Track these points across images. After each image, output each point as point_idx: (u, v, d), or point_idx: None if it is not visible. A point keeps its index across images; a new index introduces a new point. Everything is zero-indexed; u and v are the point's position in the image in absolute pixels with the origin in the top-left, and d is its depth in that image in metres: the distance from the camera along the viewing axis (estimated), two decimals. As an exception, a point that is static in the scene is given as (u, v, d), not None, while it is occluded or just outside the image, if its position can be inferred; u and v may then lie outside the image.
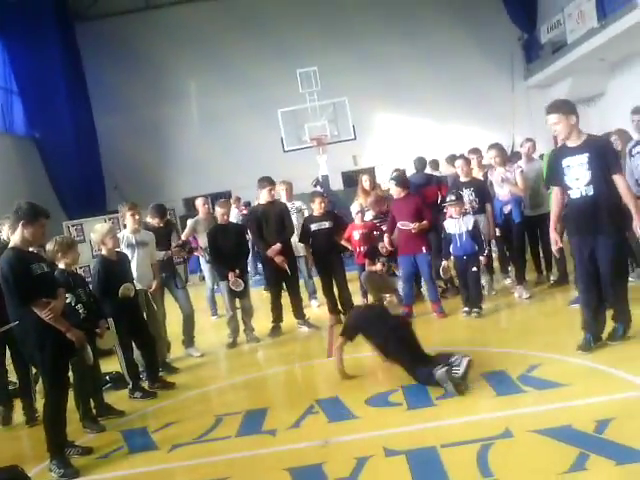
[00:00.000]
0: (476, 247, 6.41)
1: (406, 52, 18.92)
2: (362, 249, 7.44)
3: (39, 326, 4.07)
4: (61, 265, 4.89)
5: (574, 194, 4.68)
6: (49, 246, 4.90)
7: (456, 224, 6.46)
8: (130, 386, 5.63)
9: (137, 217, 6.24)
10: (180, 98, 19.63)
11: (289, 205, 8.04)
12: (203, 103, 19.67)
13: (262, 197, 7.30)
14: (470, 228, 6.39)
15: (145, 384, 5.74)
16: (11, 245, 4.20)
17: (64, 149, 17.33)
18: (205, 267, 8.62)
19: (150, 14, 19.51)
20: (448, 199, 6.54)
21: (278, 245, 7.02)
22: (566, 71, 16.45)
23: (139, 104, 19.08)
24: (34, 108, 17.77)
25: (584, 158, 4.59)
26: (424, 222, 6.62)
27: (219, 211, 7.05)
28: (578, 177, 4.62)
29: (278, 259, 7.02)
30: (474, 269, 6.41)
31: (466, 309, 6.49)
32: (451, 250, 6.54)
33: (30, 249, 4.28)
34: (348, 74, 18.27)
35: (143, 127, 19.15)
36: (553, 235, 4.91)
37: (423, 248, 6.67)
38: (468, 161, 7.28)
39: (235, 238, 7.04)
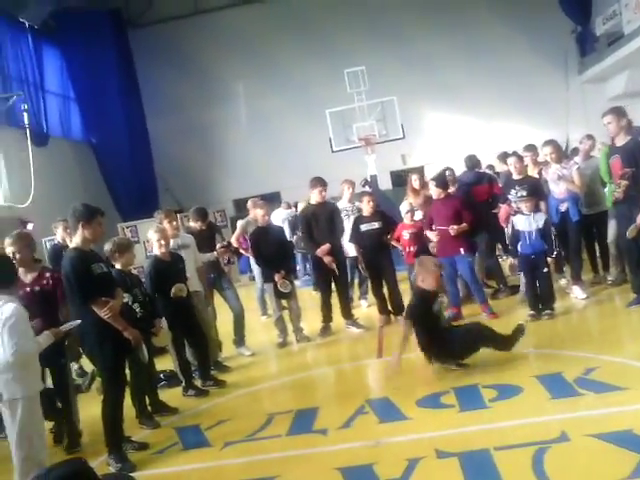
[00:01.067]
0: (545, 246, 6.19)
1: (455, 50, 18.67)
2: (412, 249, 7.37)
3: (98, 325, 4.21)
4: (117, 265, 5.05)
5: None
6: (107, 247, 5.07)
7: (526, 221, 6.24)
8: (183, 384, 5.75)
9: (174, 223, 6.31)
10: (228, 100, 19.93)
11: (349, 206, 8.03)
12: (251, 104, 19.91)
13: (313, 197, 7.34)
14: (541, 226, 6.17)
15: (198, 382, 5.85)
16: (72, 246, 4.36)
17: (118, 153, 17.86)
18: (255, 267, 8.71)
19: (198, 19, 19.87)
20: (519, 194, 6.35)
21: (327, 245, 7.03)
22: (623, 64, 15.90)
23: (189, 107, 19.48)
24: (90, 114, 18.38)
25: None
26: (463, 224, 6.51)
27: (259, 212, 7.12)
28: None
29: (327, 259, 7.04)
30: (545, 270, 6.21)
31: (532, 312, 6.26)
32: (519, 248, 6.35)
33: (91, 249, 4.40)
34: (396, 73, 18.17)
35: (193, 129, 19.54)
36: None
37: (461, 250, 6.56)
38: (521, 158, 7.10)
39: (277, 239, 7.11)
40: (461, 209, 6.67)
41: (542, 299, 6.31)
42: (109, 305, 4.19)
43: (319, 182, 7.25)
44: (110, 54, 17.90)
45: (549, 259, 6.28)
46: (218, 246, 6.85)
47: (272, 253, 6.93)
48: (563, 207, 6.82)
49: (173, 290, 5.52)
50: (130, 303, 4.96)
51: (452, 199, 6.84)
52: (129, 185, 18.05)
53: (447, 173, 8.08)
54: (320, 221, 7.17)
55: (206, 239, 6.80)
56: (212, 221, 7.90)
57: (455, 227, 6.47)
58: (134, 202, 17.75)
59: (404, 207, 7.98)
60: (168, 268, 5.68)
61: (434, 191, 6.82)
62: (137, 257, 5.62)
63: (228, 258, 7.47)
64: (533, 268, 6.28)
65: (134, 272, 5.79)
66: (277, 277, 6.86)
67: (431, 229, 6.82)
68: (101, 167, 18.42)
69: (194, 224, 6.96)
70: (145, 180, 18.94)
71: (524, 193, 6.29)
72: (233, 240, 8.16)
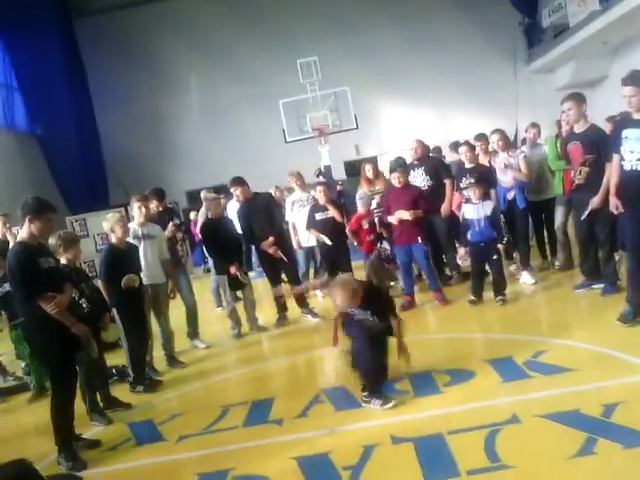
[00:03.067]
0: (495, 234, 6.28)
1: (407, 40, 18.84)
2: (371, 237, 7.41)
3: (45, 321, 4.06)
4: (63, 260, 4.89)
5: (626, 166, 4.72)
6: (52, 240, 4.90)
7: (475, 209, 6.31)
8: (131, 379, 5.60)
9: (144, 210, 6.15)
10: (181, 91, 19.60)
11: (304, 195, 8.02)
12: (204, 96, 19.63)
13: (242, 195, 7.24)
14: (489, 214, 6.25)
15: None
16: (18, 239, 4.23)
17: (66, 144, 17.37)
18: (211, 261, 8.59)
19: (149, 7, 19.45)
20: (467, 182, 6.43)
21: (270, 239, 7.01)
22: (569, 55, 16.36)
23: (140, 98, 19.07)
24: (35, 104, 17.81)
25: None
26: (418, 210, 6.57)
27: (211, 204, 7.05)
28: (633, 150, 4.65)
29: (271, 250, 7.03)
30: (495, 257, 6.30)
31: (473, 298, 6.42)
32: (468, 236, 6.44)
33: (39, 242, 4.25)
34: (349, 63, 18.20)
35: (144, 121, 19.15)
36: (614, 200, 4.93)
37: (419, 238, 6.61)
38: (472, 147, 7.21)
39: (229, 231, 7.05)
40: (419, 198, 6.72)
41: (494, 286, 6.42)
42: (55, 300, 4.05)
43: (238, 182, 7.19)
44: (54, 43, 17.37)
45: (500, 246, 6.39)
46: (170, 224, 6.71)
47: (225, 245, 6.85)
48: (510, 195, 6.97)
49: (124, 280, 5.37)
50: (77, 298, 4.81)
51: (411, 188, 6.88)
52: (77, 178, 17.59)
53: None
54: (258, 215, 7.12)
55: (162, 221, 6.65)
56: (171, 207, 7.72)
57: (413, 212, 6.50)
58: (83, 195, 17.33)
59: (359, 196, 8.01)
60: (123, 257, 5.53)
61: (402, 178, 6.79)
62: (86, 251, 5.47)
63: (180, 238, 7.22)
64: (482, 256, 6.38)
65: (82, 266, 5.63)
66: (233, 269, 6.80)
67: (389, 215, 6.83)
68: (48, 159, 17.90)
69: (151, 205, 6.68)
70: (94, 172, 18.49)
71: (472, 180, 6.37)
72: (198, 230, 8.00)
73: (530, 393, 3.93)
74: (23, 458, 1.61)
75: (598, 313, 5.45)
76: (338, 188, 13.84)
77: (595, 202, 5.48)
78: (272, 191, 9.21)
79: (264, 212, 7.14)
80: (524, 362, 4.43)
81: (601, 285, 5.92)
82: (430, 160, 7.66)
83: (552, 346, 4.70)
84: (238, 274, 6.81)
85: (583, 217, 5.72)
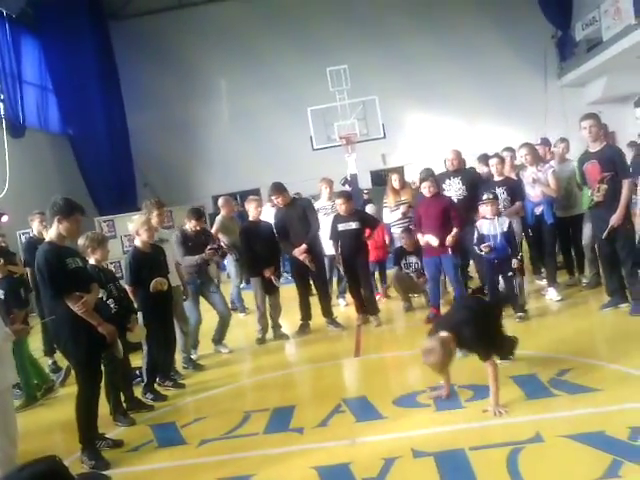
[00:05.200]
0: (509, 250, 6.17)
1: (437, 51, 18.78)
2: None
3: (72, 320, 4.14)
4: (91, 261, 4.96)
5: None
6: (80, 241, 4.97)
7: (490, 225, 6.24)
8: (145, 384, 5.58)
9: (162, 216, 6.23)
10: (210, 96, 19.81)
11: (328, 204, 8.03)
12: (233, 101, 19.82)
13: (282, 202, 7.27)
14: (505, 230, 6.17)
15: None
16: (47, 239, 4.29)
17: (97, 146, 17.64)
18: (231, 265, 8.64)
19: (182, 13, 19.72)
20: (484, 197, 6.40)
21: (303, 246, 7.01)
22: (601, 69, 16.14)
23: (170, 102, 19.32)
24: (68, 106, 18.11)
25: None
26: (454, 230, 6.53)
27: (251, 207, 7.10)
28: None
29: (302, 257, 7.02)
30: (510, 273, 6.19)
31: None
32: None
33: (66, 244, 4.33)
34: (378, 73, 18.23)
35: (174, 125, 19.39)
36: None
37: (448, 249, 6.58)
38: (503, 160, 7.17)
39: (267, 235, 7.08)
40: (449, 208, 6.67)
41: (508, 303, 6.29)
42: (83, 300, 4.11)
43: (278, 189, 7.21)
44: (90, 46, 17.66)
45: (514, 262, 6.24)
46: (207, 248, 6.60)
47: (262, 249, 6.92)
48: (538, 210, 6.89)
49: (152, 284, 5.40)
50: (104, 299, 4.89)
51: (441, 197, 6.83)
52: (107, 179, 17.84)
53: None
54: (294, 220, 7.15)
55: (199, 241, 6.64)
56: (206, 227, 7.72)
57: (451, 239, 6.50)
58: (112, 196, 17.57)
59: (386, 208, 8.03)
60: (148, 260, 5.56)
61: (427, 188, 6.71)
62: (114, 252, 5.53)
63: (217, 262, 7.31)
64: (497, 272, 6.29)
65: (110, 267, 5.68)
66: (267, 273, 6.85)
67: (421, 229, 6.80)
68: (79, 160, 18.17)
69: (188, 223, 6.73)
70: (124, 174, 18.76)
71: (490, 196, 6.29)
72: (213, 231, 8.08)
73: (554, 412, 3.88)
74: (53, 455, 1.65)
75: (625, 333, 5.36)
76: (365, 197, 13.84)
77: (614, 220, 5.48)
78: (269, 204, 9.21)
79: (300, 218, 7.14)
80: (548, 380, 4.38)
81: (629, 304, 5.84)
82: (467, 171, 7.60)
83: (577, 365, 4.64)
84: (272, 278, 6.88)
85: (604, 235, 5.72)
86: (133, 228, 5.67)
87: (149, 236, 5.62)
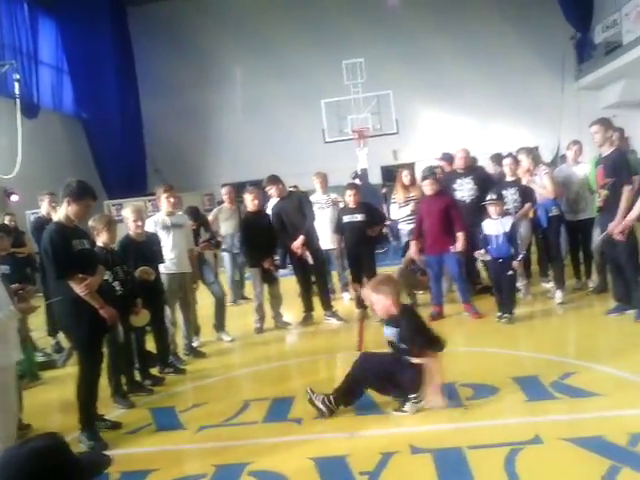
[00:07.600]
0: (512, 250, 6.17)
1: (454, 48, 18.66)
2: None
3: (75, 301, 4.14)
4: (99, 242, 4.97)
5: None
6: (90, 222, 4.99)
7: (494, 225, 6.25)
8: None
9: (172, 200, 6.17)
10: (225, 84, 19.79)
11: (324, 197, 8.03)
12: (247, 90, 19.78)
13: (276, 193, 7.30)
14: (508, 230, 6.16)
15: (155, 369, 5.73)
16: (55, 220, 4.30)
17: (109, 130, 17.70)
18: (225, 256, 8.62)
19: (199, 0, 19.64)
20: (488, 197, 6.37)
21: (300, 238, 7.01)
22: (619, 73, 15.98)
23: (184, 89, 19.31)
24: (83, 88, 18.17)
25: None
26: (459, 235, 6.48)
27: (248, 197, 7.09)
28: None
29: (299, 250, 7.04)
30: (509, 273, 6.19)
31: (499, 314, 6.33)
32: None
33: (74, 224, 4.31)
34: (394, 68, 18.14)
35: (187, 111, 19.39)
36: None
37: (450, 247, 6.55)
38: (516, 160, 7.13)
39: (267, 226, 7.09)
40: (450, 207, 6.64)
41: (503, 302, 6.30)
42: (86, 282, 4.11)
43: (272, 180, 7.22)
44: (107, 29, 17.71)
45: (515, 263, 6.23)
46: (200, 241, 6.83)
47: (262, 239, 6.92)
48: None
49: (138, 272, 5.35)
50: (110, 281, 4.90)
51: (442, 196, 6.80)
52: (118, 163, 17.90)
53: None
54: (291, 213, 7.14)
55: (195, 237, 6.81)
56: (204, 217, 7.86)
57: (459, 247, 6.47)
58: (122, 180, 17.63)
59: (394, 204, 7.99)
60: (137, 248, 5.50)
61: (428, 186, 6.70)
62: (121, 235, 5.52)
63: (215, 252, 7.51)
64: (499, 272, 6.27)
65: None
66: (266, 263, 6.86)
67: (419, 234, 6.76)
68: (90, 143, 18.25)
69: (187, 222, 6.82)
70: (134, 159, 18.81)
71: (493, 197, 6.27)
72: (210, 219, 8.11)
73: (554, 415, 3.86)
74: (54, 431, 1.64)
75: (629, 339, 5.32)
76: (383, 190, 13.81)
77: (611, 227, 5.46)
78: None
79: (296, 210, 7.15)
80: (550, 383, 4.35)
81: (635, 310, 5.79)
82: (478, 170, 7.56)
83: (580, 369, 4.61)
84: (271, 268, 6.90)
85: (599, 240, 5.88)
86: (124, 215, 5.66)
87: (135, 227, 5.55)
